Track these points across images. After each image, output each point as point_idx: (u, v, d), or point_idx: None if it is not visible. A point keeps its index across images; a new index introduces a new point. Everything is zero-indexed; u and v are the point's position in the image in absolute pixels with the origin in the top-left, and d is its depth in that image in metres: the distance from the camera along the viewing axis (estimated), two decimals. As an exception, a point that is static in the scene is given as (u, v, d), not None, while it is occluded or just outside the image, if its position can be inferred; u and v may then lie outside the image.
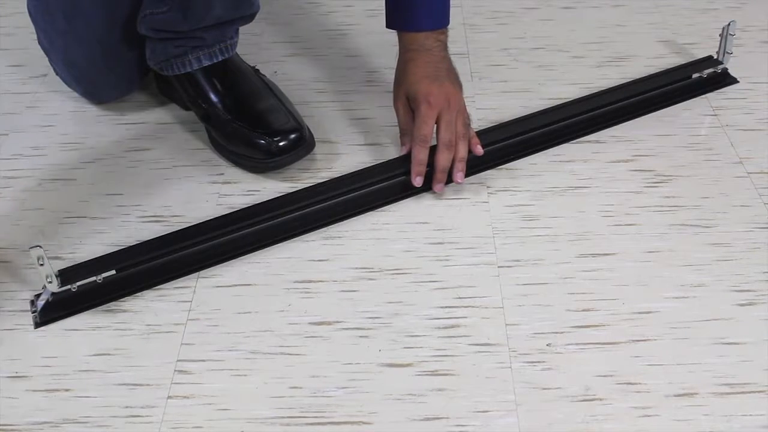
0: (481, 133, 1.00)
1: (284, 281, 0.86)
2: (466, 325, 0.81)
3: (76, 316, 0.83)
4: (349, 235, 0.92)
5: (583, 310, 0.83)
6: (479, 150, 0.96)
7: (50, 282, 0.80)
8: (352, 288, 0.86)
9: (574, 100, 1.08)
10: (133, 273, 0.86)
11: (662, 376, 0.76)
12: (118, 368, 0.78)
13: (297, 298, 0.85)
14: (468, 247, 0.90)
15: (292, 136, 0.96)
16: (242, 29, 1.03)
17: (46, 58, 1.07)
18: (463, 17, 1.28)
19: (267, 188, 0.98)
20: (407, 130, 0.96)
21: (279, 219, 0.92)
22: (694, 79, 1.12)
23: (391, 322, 0.82)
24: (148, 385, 0.77)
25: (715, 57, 1.14)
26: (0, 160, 1.02)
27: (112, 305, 0.84)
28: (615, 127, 1.06)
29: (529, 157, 1.01)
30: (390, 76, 1.01)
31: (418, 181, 0.94)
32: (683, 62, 1.16)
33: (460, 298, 0.84)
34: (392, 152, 1.01)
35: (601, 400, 0.75)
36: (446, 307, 0.83)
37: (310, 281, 0.86)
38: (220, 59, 1.00)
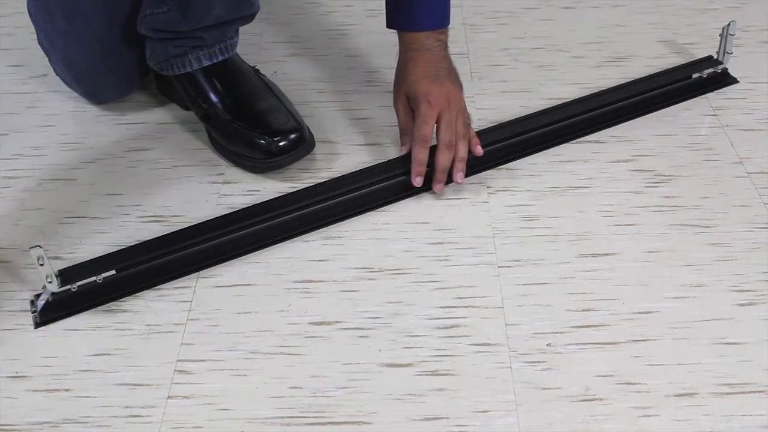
0: (481, 133, 1.00)
1: (284, 281, 0.86)
2: (466, 325, 0.81)
3: (76, 316, 0.83)
4: (349, 235, 0.92)
5: (583, 310, 0.83)
6: (479, 150, 0.96)
7: (50, 282, 0.80)
8: (352, 288, 0.86)
9: (574, 100, 1.08)
10: (133, 273, 0.86)
11: (662, 376, 0.76)
12: (118, 368, 0.78)
13: (297, 298, 0.85)
14: (468, 247, 0.90)
15: (292, 136, 0.96)
16: (242, 29, 1.03)
17: (46, 58, 1.07)
18: (463, 17, 1.28)
19: (267, 188, 0.98)
20: (407, 130, 0.96)
21: (279, 219, 0.92)
22: (694, 79, 1.12)
23: (391, 322, 0.82)
24: (148, 385, 0.77)
25: (715, 57, 1.14)
26: (0, 160, 1.02)
27: (112, 305, 0.84)
28: (615, 127, 1.06)
29: (529, 157, 1.01)
30: (390, 76, 1.01)
31: (418, 181, 0.94)
32: (683, 62, 1.16)
33: (460, 298, 0.84)
34: (392, 152, 1.01)
35: (601, 400, 0.75)
36: (446, 307, 0.83)
37: (310, 281, 0.86)
38: (220, 59, 1.00)
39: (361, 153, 1.02)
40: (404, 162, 0.96)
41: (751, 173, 0.99)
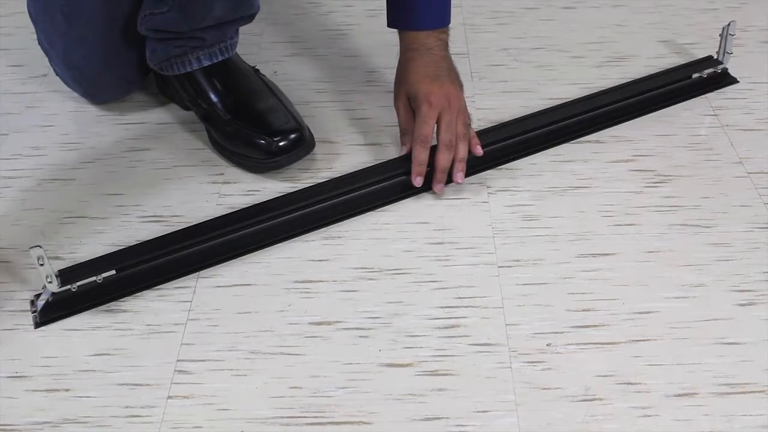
0: (481, 133, 1.00)
1: (284, 281, 0.86)
2: (466, 325, 0.81)
3: (76, 316, 0.83)
4: (349, 235, 0.92)
5: (583, 310, 0.83)
6: (479, 151, 0.96)
7: (50, 282, 0.80)
8: (352, 288, 0.86)
9: (574, 100, 1.08)
10: (133, 273, 0.86)
11: (662, 376, 0.76)
12: (118, 368, 0.78)
13: (297, 298, 0.85)
14: (468, 247, 0.90)
15: (292, 136, 0.96)
16: (242, 29, 1.03)
17: (46, 58, 1.07)
18: (463, 17, 1.28)
19: (267, 188, 0.98)
20: (407, 130, 0.96)
21: (279, 219, 0.92)
22: (694, 79, 1.12)
23: (391, 322, 0.82)
24: (148, 385, 0.77)
25: (715, 57, 1.14)
26: (0, 160, 1.02)
27: (112, 305, 0.84)
28: (615, 127, 1.06)
29: (529, 157, 1.01)
30: (390, 76, 1.01)
31: (418, 181, 0.94)
32: (683, 62, 1.16)
33: (460, 298, 0.84)
34: (392, 152, 1.01)
35: (601, 400, 0.75)
36: (446, 307, 0.83)
37: (310, 281, 0.86)
38: (220, 59, 1.00)
39: (361, 153, 1.02)
40: (404, 162, 0.96)
41: (751, 173, 0.99)
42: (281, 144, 0.96)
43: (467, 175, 0.95)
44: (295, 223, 0.92)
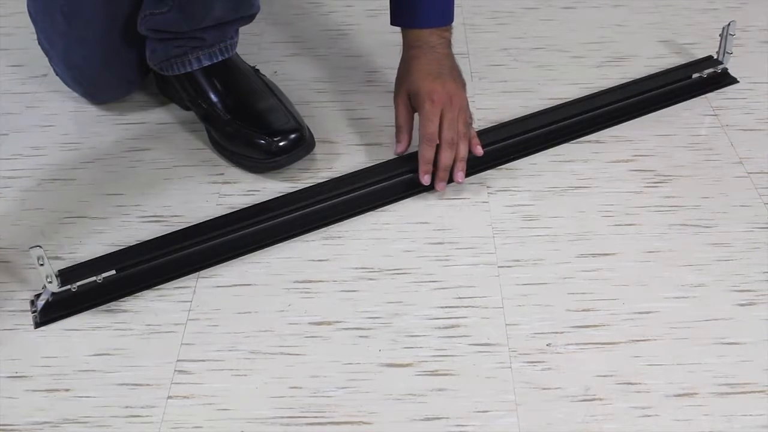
0: (481, 133, 1.00)
1: (284, 281, 0.86)
2: (466, 325, 0.81)
3: (76, 316, 0.83)
4: (349, 235, 0.92)
5: (583, 310, 0.83)
6: (479, 150, 0.96)
7: (50, 282, 0.80)
8: (352, 288, 0.86)
9: (574, 100, 1.08)
10: (133, 273, 0.86)
11: (662, 376, 0.76)
12: (118, 368, 0.78)
13: (297, 298, 0.85)
14: (468, 247, 0.90)
15: (292, 136, 0.96)
16: (242, 29, 1.03)
17: (46, 58, 1.07)
18: (463, 17, 1.28)
19: (267, 188, 0.98)
20: (403, 128, 0.96)
21: (279, 219, 0.92)
22: (694, 79, 1.12)
23: (391, 322, 0.82)
24: (148, 385, 0.77)
25: (715, 57, 1.14)
26: (0, 160, 1.02)
27: (112, 305, 0.84)
28: (615, 127, 1.06)
29: (529, 157, 1.01)
30: (390, 76, 1.01)
31: (426, 180, 0.94)
32: (683, 62, 1.16)
33: (460, 298, 0.84)
34: (392, 152, 1.01)
35: (601, 400, 0.75)
36: (446, 307, 0.83)
37: (310, 281, 0.86)
38: (220, 59, 1.00)
39: (361, 153, 1.02)
40: (404, 162, 0.96)
41: (751, 173, 0.99)
42: (281, 144, 0.96)
43: (467, 174, 0.95)
44: (295, 223, 0.92)
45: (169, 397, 0.75)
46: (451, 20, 0.96)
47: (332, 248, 0.90)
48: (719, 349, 0.79)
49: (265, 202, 0.94)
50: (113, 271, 0.84)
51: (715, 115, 1.08)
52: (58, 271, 0.82)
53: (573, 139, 1.04)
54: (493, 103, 1.10)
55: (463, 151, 0.94)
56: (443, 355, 0.79)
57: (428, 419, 0.73)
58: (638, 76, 1.13)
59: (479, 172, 0.99)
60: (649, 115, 1.08)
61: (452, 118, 0.93)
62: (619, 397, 0.75)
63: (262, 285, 0.86)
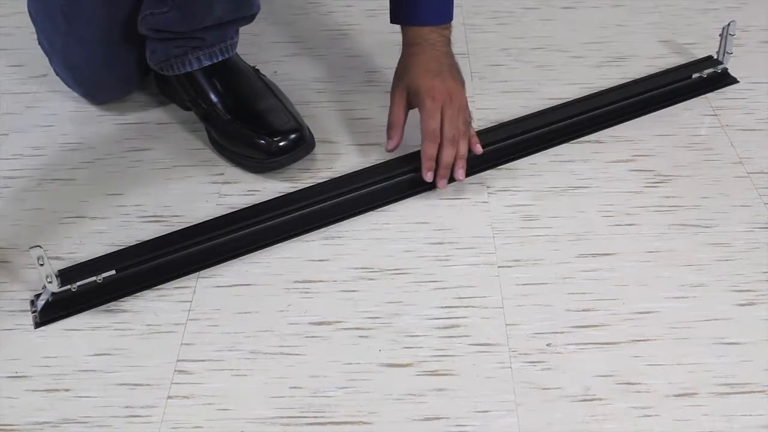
0: (481, 133, 1.00)
1: (284, 281, 0.86)
2: (466, 325, 0.81)
3: (76, 316, 0.83)
4: (349, 235, 0.92)
5: (583, 310, 0.83)
6: (478, 149, 0.95)
7: (50, 282, 0.80)
8: (352, 288, 0.86)
9: (574, 100, 1.08)
10: (133, 273, 0.86)
11: (662, 376, 0.76)
12: (118, 368, 0.78)
13: (297, 298, 0.85)
14: (468, 247, 0.90)
15: (292, 136, 0.96)
16: (242, 29, 1.03)
17: (46, 58, 1.07)
18: (463, 17, 1.28)
19: (267, 188, 0.98)
20: (396, 124, 0.96)
21: (279, 219, 0.92)
22: (694, 79, 1.12)
23: (391, 322, 0.82)
24: (148, 385, 0.77)
25: (715, 57, 1.14)
26: (0, 160, 1.02)
27: (112, 305, 0.84)
28: (615, 127, 1.06)
29: (529, 157, 1.01)
30: (390, 76, 1.01)
31: (429, 177, 0.93)
32: (683, 62, 1.16)
33: (460, 298, 0.84)
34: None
35: (601, 400, 0.75)
36: (446, 307, 0.83)
37: (310, 281, 0.86)
38: (220, 59, 1.00)
39: (361, 153, 1.02)
40: (404, 162, 0.96)
41: (751, 173, 0.99)
42: (281, 144, 0.96)
43: (467, 174, 0.95)
44: (295, 223, 0.92)
45: (169, 397, 0.75)
46: (451, 18, 0.96)
47: (332, 248, 0.90)
48: (719, 349, 0.79)
49: (265, 202, 0.94)
50: (113, 271, 0.84)
51: (715, 115, 1.08)
52: (58, 271, 0.82)
53: (573, 139, 1.04)
54: (493, 103, 1.10)
55: (463, 149, 0.94)
56: (443, 355, 0.79)
57: (428, 419, 0.73)
58: (638, 76, 1.13)
59: (479, 172, 0.99)
60: (649, 115, 1.08)
61: (453, 115, 0.93)
62: (619, 397, 0.75)
63: (262, 285, 0.86)
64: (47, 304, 0.83)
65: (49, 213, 0.95)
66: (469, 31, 1.25)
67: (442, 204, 0.95)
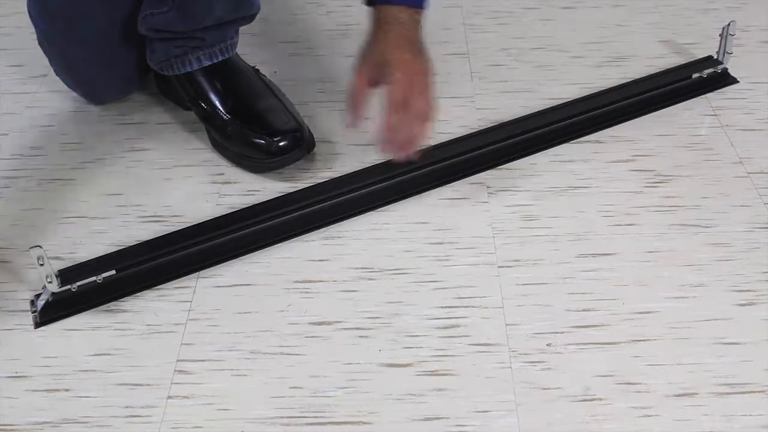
0: (481, 133, 1.00)
1: (284, 281, 0.86)
2: (466, 325, 0.81)
3: (76, 316, 0.83)
4: (349, 235, 0.92)
5: (583, 310, 0.83)
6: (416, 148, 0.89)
7: (50, 282, 0.80)
8: (352, 288, 0.86)
9: (574, 100, 1.08)
10: (133, 273, 0.86)
11: (662, 376, 0.76)
12: (118, 368, 0.78)
13: (297, 298, 0.85)
14: (468, 247, 0.90)
15: (292, 136, 0.96)
16: (242, 29, 1.03)
17: (46, 58, 1.07)
18: (463, 17, 1.28)
19: (267, 188, 0.97)
20: (360, 99, 0.88)
21: (279, 219, 0.92)
22: (694, 79, 1.12)
23: (391, 322, 0.82)
24: (148, 385, 0.77)
25: (715, 57, 1.14)
26: (0, 160, 1.02)
27: (112, 305, 0.84)
28: (615, 127, 1.06)
29: (529, 157, 1.01)
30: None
31: (387, 148, 0.88)
32: (683, 62, 1.16)
33: (460, 298, 0.84)
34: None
35: (601, 400, 0.75)
36: (446, 307, 0.83)
37: (310, 281, 0.86)
38: (220, 59, 1.00)
39: (361, 153, 1.02)
40: (404, 162, 0.96)
41: (751, 173, 0.99)
42: (281, 144, 0.96)
43: (467, 174, 0.95)
44: (295, 223, 0.92)
45: (169, 397, 0.75)
46: (423, 6, 0.90)
47: (332, 248, 0.90)
48: (719, 349, 0.79)
49: (265, 202, 0.94)
50: (113, 271, 0.84)
51: (715, 115, 1.08)
52: (58, 271, 0.82)
53: (573, 139, 1.04)
54: (493, 103, 1.10)
55: (428, 129, 0.88)
56: (443, 355, 0.79)
57: (428, 419, 0.73)
58: (638, 76, 1.13)
59: (479, 172, 0.99)
60: (649, 115, 1.08)
61: (423, 90, 0.87)
62: (619, 397, 0.75)
63: (262, 285, 0.86)
64: (47, 304, 0.83)
65: (49, 213, 0.95)
66: (469, 31, 1.25)
67: (442, 204, 0.95)
